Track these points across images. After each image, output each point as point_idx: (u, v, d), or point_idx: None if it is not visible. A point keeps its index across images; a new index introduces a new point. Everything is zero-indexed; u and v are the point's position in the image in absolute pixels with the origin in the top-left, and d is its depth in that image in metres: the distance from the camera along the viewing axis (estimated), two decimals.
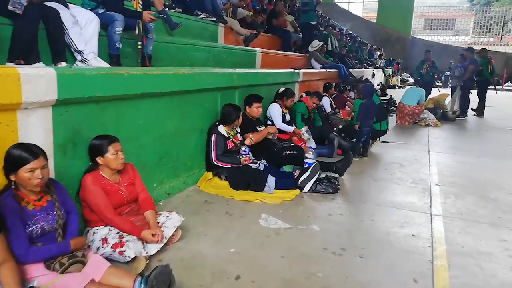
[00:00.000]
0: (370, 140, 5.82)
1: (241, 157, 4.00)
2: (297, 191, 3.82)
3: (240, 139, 4.16)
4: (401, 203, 3.66)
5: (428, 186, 4.20)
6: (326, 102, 7.55)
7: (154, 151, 3.31)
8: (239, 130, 4.25)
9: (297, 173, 3.91)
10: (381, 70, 17.94)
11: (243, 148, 4.00)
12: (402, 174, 4.60)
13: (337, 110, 7.64)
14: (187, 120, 3.71)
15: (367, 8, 37.69)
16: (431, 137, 7.21)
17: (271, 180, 3.79)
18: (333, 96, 8.28)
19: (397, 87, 18.99)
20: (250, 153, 4.16)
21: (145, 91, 3.04)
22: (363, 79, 12.69)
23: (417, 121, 8.72)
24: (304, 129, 5.29)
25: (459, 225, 3.21)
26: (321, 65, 9.44)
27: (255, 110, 4.49)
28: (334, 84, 8.94)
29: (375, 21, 29.38)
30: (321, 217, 3.26)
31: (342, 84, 9.36)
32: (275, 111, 5.26)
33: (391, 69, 20.55)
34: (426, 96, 10.04)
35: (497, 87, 13.07)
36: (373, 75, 15.04)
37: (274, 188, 3.77)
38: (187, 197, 3.62)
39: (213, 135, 3.94)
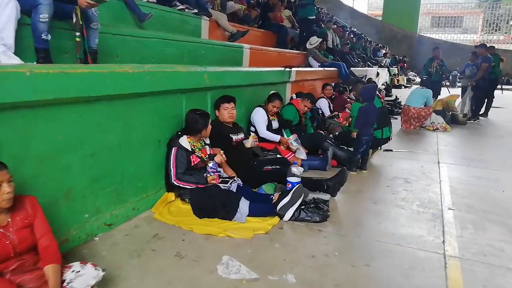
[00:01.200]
0: (371, 149, 5.05)
1: (208, 175, 3.24)
2: (276, 219, 3.05)
3: (209, 153, 3.40)
4: (406, 237, 2.89)
5: (439, 210, 3.42)
6: (324, 104, 6.78)
7: (85, 172, 2.55)
8: (208, 142, 3.49)
9: (275, 196, 3.15)
10: (386, 69, 17.09)
11: (210, 164, 3.22)
12: (407, 194, 3.82)
13: (336, 113, 6.84)
14: (136, 131, 2.95)
15: (372, 6, 36.82)
16: (440, 144, 6.40)
17: (244, 205, 3.03)
18: (332, 97, 7.49)
19: (403, 87, 18.14)
20: (220, 170, 3.40)
21: (66, 96, 2.29)
22: (367, 78, 11.93)
23: (424, 125, 7.92)
24: (292, 137, 4.53)
25: (483, 273, 2.43)
26: (319, 64, 8.67)
27: (224, 113, 3.74)
28: (333, 84, 8.17)
29: (380, 19, 28.50)
30: (300, 261, 2.49)
31: (342, 84, 8.59)
32: (259, 117, 4.50)
33: (396, 68, 19.68)
34: (435, 97, 9.21)
35: (504, 86, 12.24)
36: (378, 74, 14.22)
37: (248, 215, 3.02)
38: (135, 228, 2.86)
39: (173, 148, 3.18)
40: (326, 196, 3.53)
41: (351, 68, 9.85)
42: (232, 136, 3.77)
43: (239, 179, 3.42)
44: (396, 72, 19.40)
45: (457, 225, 3.13)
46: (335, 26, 13.56)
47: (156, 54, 4.22)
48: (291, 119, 4.87)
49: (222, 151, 3.42)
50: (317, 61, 8.70)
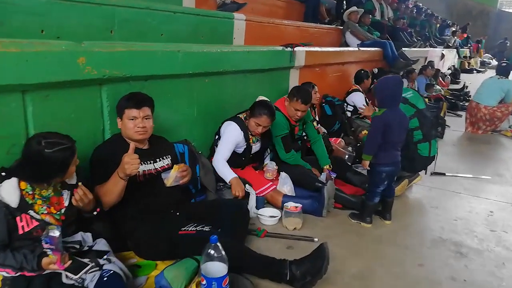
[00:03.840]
0: (406, 177, 3.21)
1: (48, 253, 1.66)
2: None
3: (66, 205, 1.82)
4: None
5: None
6: (359, 99, 4.87)
7: None
8: (74, 180, 1.91)
9: None
10: (455, 50, 14.33)
11: (45, 235, 1.64)
12: None
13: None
14: None
15: None
16: None
17: None
18: (371, 88, 5.52)
19: (475, 71, 15.26)
20: (61, 249, 1.81)
21: None
22: (427, 61, 9.67)
23: (498, 129, 5.75)
24: (269, 164, 2.86)
25: None
26: (360, 42, 6.69)
27: (128, 125, 2.12)
28: (376, 70, 6.20)
29: None
30: None
31: (389, 69, 6.58)
32: (228, 136, 2.84)
33: (468, 49, 16.67)
34: None
35: None
36: (443, 56, 11.73)
37: None
38: None
39: None
40: None
41: (404, 49, 7.70)
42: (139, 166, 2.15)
43: (111, 260, 1.80)
44: (468, 54, 16.43)
45: None
46: None
47: (61, 24, 2.66)
48: (286, 132, 3.10)
49: (80, 183, 1.81)
50: (358, 38, 6.72)
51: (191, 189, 2.65)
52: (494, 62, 17.10)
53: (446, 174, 3.80)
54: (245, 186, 2.75)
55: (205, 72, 2.92)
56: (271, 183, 2.91)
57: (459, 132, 5.79)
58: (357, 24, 6.90)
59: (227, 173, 2.72)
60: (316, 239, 2.40)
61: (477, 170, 4.01)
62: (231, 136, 2.84)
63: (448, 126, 5.91)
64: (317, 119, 4.29)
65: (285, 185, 2.91)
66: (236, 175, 2.76)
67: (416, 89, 7.73)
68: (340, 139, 4.27)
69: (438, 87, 8.92)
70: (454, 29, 15.94)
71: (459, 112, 7.14)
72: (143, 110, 2.15)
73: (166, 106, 2.66)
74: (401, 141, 2.57)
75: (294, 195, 2.89)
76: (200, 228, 2.00)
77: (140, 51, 2.38)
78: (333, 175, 3.21)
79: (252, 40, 4.45)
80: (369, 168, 2.58)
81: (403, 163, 3.26)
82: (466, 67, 15.32)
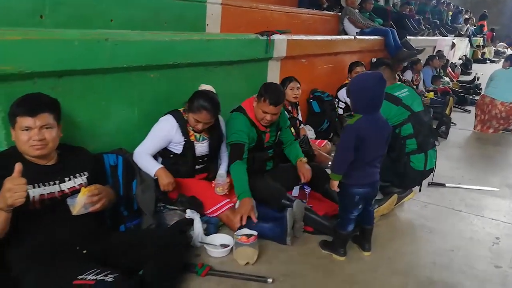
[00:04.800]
0: (395, 193, 2.68)
1: None
2: None
3: None
4: None
5: None
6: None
7: None
8: None
9: None
10: (467, 39, 13.53)
11: None
12: None
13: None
14: None
15: None
16: None
17: None
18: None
19: (488, 61, 14.45)
20: None
21: None
22: (435, 51, 9.02)
23: (510, 128, 5.15)
24: (219, 176, 2.35)
25: None
26: (358, 30, 6.07)
27: (21, 138, 1.64)
28: (375, 59, 5.61)
29: None
30: None
31: (390, 60, 5.97)
32: (156, 129, 2.35)
33: (482, 38, 15.81)
34: None
35: None
36: (453, 45, 10.99)
37: None
38: None
39: None
40: None
41: (410, 37, 7.06)
42: (32, 190, 1.66)
43: None
44: (481, 43, 15.59)
45: None
46: None
47: None
48: (241, 140, 2.55)
49: None
50: (356, 26, 6.10)
51: (122, 212, 2.16)
52: (510, 51, 16.21)
53: (446, 185, 3.25)
54: (193, 204, 2.25)
55: (149, 65, 2.40)
56: (227, 199, 2.40)
57: (466, 131, 5.20)
58: (357, 10, 6.29)
59: (151, 165, 2.25)
60: (270, 280, 1.89)
61: (483, 179, 3.45)
62: (160, 129, 2.34)
63: (454, 124, 5.32)
64: (300, 118, 3.74)
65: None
66: (161, 166, 2.27)
67: (422, 81, 7.13)
68: (325, 141, 3.74)
69: (446, 79, 8.28)
70: (467, 16, 15.08)
71: (467, 107, 6.52)
72: (40, 118, 1.65)
73: (91, 109, 2.16)
74: (380, 156, 2.02)
75: (255, 215, 2.37)
76: (101, 277, 1.50)
77: (45, 40, 1.86)
78: (307, 190, 2.69)
79: (230, 28, 3.90)
80: (338, 190, 2.04)
81: (392, 178, 2.75)
82: (479, 56, 14.52)
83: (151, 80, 2.48)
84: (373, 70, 2.93)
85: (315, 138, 4.05)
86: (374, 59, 5.60)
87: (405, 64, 6.79)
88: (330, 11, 6.41)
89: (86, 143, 2.14)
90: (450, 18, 13.84)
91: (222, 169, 2.49)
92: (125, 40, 2.22)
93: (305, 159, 2.65)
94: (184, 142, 2.39)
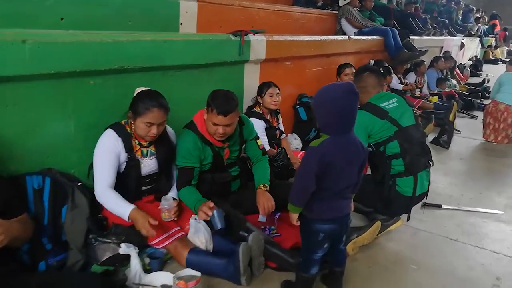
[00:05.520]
0: (379, 220, 2.29)
1: None
2: None
3: None
4: None
5: None
6: None
7: None
8: None
9: None
10: (478, 38, 12.98)
11: None
12: None
13: None
14: None
15: None
16: None
17: None
18: None
19: (500, 62, 13.86)
20: None
21: None
22: (442, 52, 8.57)
23: None
24: (164, 199, 2.01)
25: None
26: (356, 30, 5.69)
27: None
28: (373, 61, 5.23)
29: None
30: None
31: (389, 63, 5.57)
32: (98, 148, 2.00)
33: (494, 38, 15.22)
34: None
35: None
36: (462, 45, 10.50)
37: None
38: None
39: None
40: None
41: (414, 37, 6.64)
42: None
43: None
44: (493, 43, 14.99)
45: None
46: None
47: None
48: (188, 165, 2.15)
49: None
50: (354, 26, 5.72)
51: (45, 245, 1.82)
52: None
53: (443, 206, 2.86)
54: (131, 235, 1.90)
55: (87, 70, 2.06)
56: (177, 227, 2.05)
57: (471, 140, 4.76)
58: (357, 9, 5.90)
59: (122, 208, 1.90)
60: None
61: (486, 198, 3.05)
62: (103, 146, 1.99)
63: (458, 131, 4.91)
64: (282, 128, 3.36)
65: (199, 233, 2.03)
66: (134, 206, 1.91)
67: (426, 84, 6.70)
68: None
69: (453, 81, 7.82)
70: (478, 15, 14.52)
71: (474, 113, 6.07)
72: None
73: (10, 123, 1.82)
74: (352, 185, 1.64)
75: (210, 248, 2.02)
76: None
77: None
78: (277, 215, 2.32)
79: (208, 27, 3.55)
80: (298, 223, 1.67)
81: (376, 203, 2.37)
82: (490, 57, 13.94)
83: (92, 88, 2.13)
84: (355, 77, 2.55)
85: (302, 148, 3.69)
86: (372, 61, 5.22)
87: (408, 66, 6.38)
88: (324, 9, 6.03)
89: (5, 163, 1.81)
90: (460, 17, 13.32)
91: (172, 192, 2.14)
92: (50, 41, 1.87)
93: (265, 187, 2.27)
94: (127, 160, 2.04)
